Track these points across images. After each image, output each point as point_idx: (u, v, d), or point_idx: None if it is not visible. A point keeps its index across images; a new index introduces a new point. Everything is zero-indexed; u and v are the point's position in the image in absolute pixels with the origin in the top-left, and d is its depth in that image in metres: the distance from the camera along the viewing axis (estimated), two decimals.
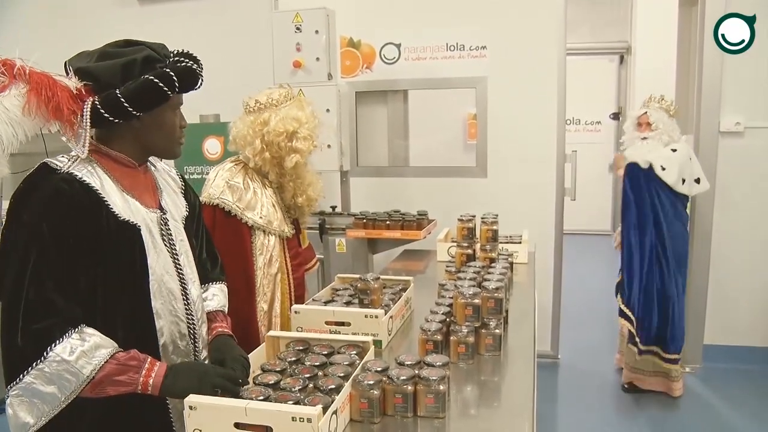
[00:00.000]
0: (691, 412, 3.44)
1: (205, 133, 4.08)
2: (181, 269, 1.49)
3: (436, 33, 4.01)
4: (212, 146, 4.06)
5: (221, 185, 2.07)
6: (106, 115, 1.31)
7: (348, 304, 2.01)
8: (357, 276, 2.11)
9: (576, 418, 3.43)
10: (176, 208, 1.56)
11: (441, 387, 1.40)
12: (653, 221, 3.44)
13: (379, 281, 2.00)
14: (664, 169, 3.37)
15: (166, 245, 1.47)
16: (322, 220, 3.51)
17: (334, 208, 3.74)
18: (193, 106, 4.40)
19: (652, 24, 6.89)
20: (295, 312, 1.90)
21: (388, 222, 3.38)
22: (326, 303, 2.03)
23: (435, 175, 4.17)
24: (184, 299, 1.48)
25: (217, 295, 1.68)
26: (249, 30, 4.42)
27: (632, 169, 3.45)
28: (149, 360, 1.32)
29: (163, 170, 1.61)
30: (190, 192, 1.66)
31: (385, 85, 4.19)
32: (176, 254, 1.49)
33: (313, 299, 2.09)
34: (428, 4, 4.02)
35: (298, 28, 3.52)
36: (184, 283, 1.49)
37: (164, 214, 1.50)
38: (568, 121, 5.44)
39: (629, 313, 3.55)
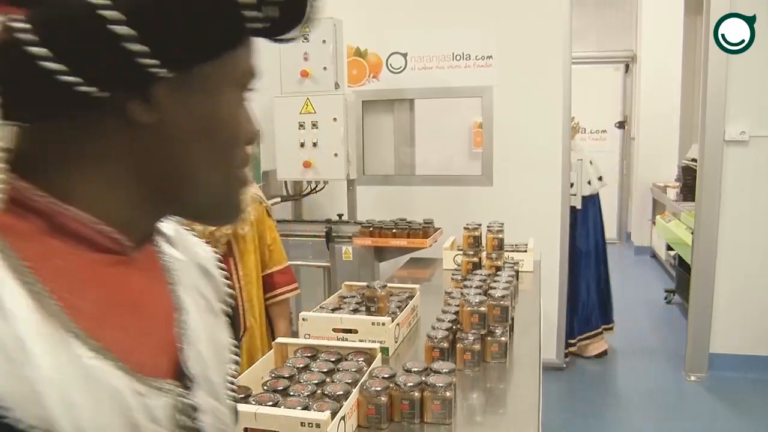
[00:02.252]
0: (697, 420, 3.44)
1: None
2: None
3: (442, 42, 4.03)
4: None
5: None
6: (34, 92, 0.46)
7: (355, 311, 2.03)
8: (364, 284, 2.13)
9: (581, 427, 3.43)
10: (218, 353, 0.62)
11: (447, 393, 1.42)
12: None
13: (385, 289, 2.02)
14: (572, 185, 4.11)
15: None
16: (328, 228, 3.53)
17: (340, 216, 3.76)
18: None
19: (657, 33, 6.92)
20: (303, 319, 1.92)
21: (394, 230, 3.39)
22: (333, 310, 2.05)
23: (441, 183, 4.19)
24: None
25: None
26: (255, 39, 4.46)
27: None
28: None
29: (188, 251, 0.65)
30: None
31: (391, 94, 4.22)
32: None
33: (320, 306, 2.12)
34: (434, 14, 4.05)
35: (305, 38, 3.55)
36: None
37: (187, 389, 0.56)
38: None
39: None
